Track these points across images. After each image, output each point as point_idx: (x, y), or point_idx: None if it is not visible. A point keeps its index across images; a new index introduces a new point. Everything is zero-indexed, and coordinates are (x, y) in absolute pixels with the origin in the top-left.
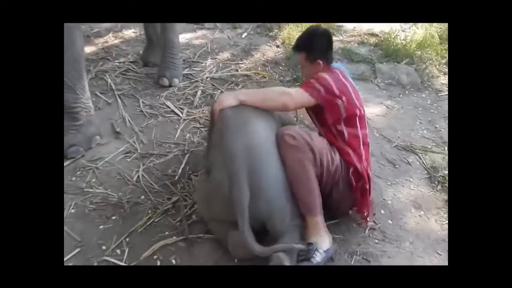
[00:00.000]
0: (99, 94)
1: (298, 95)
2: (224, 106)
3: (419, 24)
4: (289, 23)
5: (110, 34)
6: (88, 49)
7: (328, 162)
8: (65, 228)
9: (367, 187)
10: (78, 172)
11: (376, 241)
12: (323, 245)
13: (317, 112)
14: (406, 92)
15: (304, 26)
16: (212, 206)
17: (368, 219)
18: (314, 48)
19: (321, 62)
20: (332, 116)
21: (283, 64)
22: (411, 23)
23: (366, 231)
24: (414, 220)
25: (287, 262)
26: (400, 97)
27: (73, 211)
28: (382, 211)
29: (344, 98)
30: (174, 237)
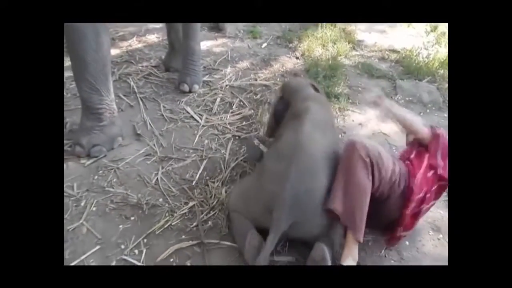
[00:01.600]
0: (122, 96)
1: (432, 139)
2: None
3: (442, 43)
4: (309, 36)
5: (134, 38)
6: (113, 52)
7: (390, 175)
8: (87, 225)
9: (417, 210)
10: (100, 171)
11: (393, 261)
12: None
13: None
14: (427, 110)
15: (322, 36)
16: (251, 197)
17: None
18: None
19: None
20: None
21: (302, 76)
22: (433, 43)
23: (383, 251)
24: (432, 243)
25: (328, 254)
26: (420, 115)
27: (94, 209)
28: None
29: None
30: (190, 242)
